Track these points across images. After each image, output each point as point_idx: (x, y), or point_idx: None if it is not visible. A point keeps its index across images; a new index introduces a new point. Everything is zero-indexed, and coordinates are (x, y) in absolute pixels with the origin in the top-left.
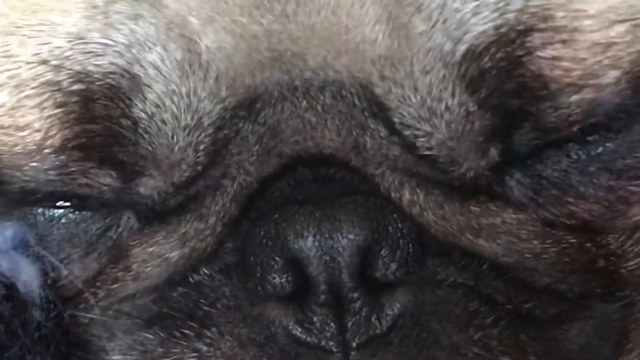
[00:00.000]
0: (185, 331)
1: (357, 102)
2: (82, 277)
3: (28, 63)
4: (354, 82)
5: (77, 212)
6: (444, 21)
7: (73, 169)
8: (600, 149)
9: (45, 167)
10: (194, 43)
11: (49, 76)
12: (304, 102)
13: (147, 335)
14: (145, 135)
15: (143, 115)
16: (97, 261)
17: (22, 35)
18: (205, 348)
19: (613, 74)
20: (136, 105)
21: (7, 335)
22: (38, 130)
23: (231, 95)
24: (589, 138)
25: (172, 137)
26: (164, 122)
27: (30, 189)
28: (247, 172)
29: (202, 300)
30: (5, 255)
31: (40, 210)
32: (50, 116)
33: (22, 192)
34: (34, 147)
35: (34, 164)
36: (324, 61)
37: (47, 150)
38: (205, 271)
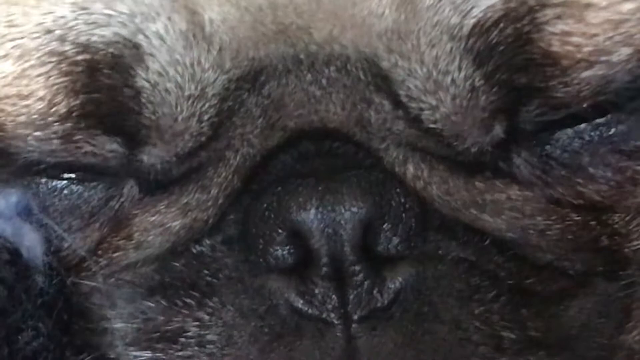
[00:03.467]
0: (187, 300)
1: (362, 76)
2: (84, 246)
3: (32, 33)
4: (360, 56)
5: (79, 183)
6: None
7: (78, 137)
8: (611, 131)
9: (49, 136)
10: (198, 15)
11: (54, 46)
12: (309, 75)
13: (148, 303)
14: (149, 105)
15: (146, 84)
16: (98, 230)
17: (26, 5)
18: (206, 317)
19: (625, 51)
20: (139, 74)
21: (10, 300)
22: (42, 99)
23: (235, 67)
24: (600, 120)
25: (176, 106)
26: (167, 91)
27: (34, 159)
28: (250, 144)
29: (204, 271)
30: (9, 221)
31: (43, 180)
32: (55, 84)
33: (26, 164)
34: (38, 116)
35: (38, 133)
36: (330, 35)
37: (51, 119)
38: (208, 242)
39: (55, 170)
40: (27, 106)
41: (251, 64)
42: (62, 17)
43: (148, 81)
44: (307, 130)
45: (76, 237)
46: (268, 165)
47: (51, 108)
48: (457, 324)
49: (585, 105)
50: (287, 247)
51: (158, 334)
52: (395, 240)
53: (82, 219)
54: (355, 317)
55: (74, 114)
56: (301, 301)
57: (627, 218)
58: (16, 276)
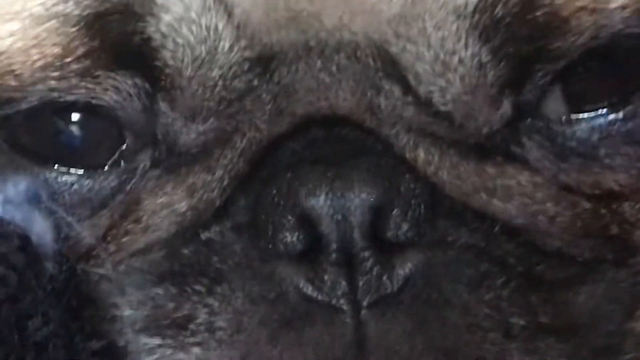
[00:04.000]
0: (197, 287)
1: (371, 63)
2: (93, 234)
3: None
4: (369, 42)
5: (89, 177)
6: None
7: (99, 72)
8: (629, 125)
9: (68, 74)
10: None
11: (60, 8)
12: (319, 62)
13: (158, 290)
14: (159, 51)
15: (156, 35)
16: (108, 217)
17: None
18: (216, 304)
19: (620, 1)
20: (149, 23)
21: (20, 286)
22: (57, 45)
23: (249, 49)
24: (618, 115)
25: (182, 62)
26: (176, 45)
27: (52, 98)
28: (258, 129)
29: (213, 257)
30: (18, 207)
31: (53, 174)
32: (68, 33)
33: (44, 105)
34: (54, 59)
35: (56, 72)
36: (340, 22)
37: (69, 59)
38: (216, 228)
39: (74, 109)
40: (41, 52)
41: (263, 50)
42: None
43: (159, 31)
44: (317, 117)
45: (85, 225)
46: (277, 151)
47: (67, 51)
48: (467, 310)
49: (580, 52)
50: (297, 233)
51: (168, 320)
52: (405, 226)
53: (92, 209)
54: (365, 303)
55: (93, 53)
56: (310, 287)
57: (638, 206)
58: (26, 262)
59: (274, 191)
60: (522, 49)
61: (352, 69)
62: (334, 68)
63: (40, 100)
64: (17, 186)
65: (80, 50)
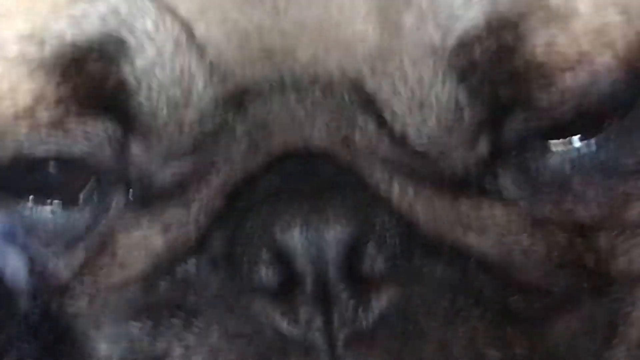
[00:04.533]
0: (173, 321)
1: (346, 98)
2: (69, 268)
3: (13, 40)
4: (344, 78)
5: (65, 210)
6: (434, 13)
7: (69, 122)
8: (601, 152)
9: (39, 124)
10: (189, 26)
11: (34, 52)
12: (293, 97)
13: (134, 324)
14: (134, 95)
15: (131, 78)
16: (83, 252)
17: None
18: (192, 338)
19: (607, 58)
20: (124, 67)
21: None
22: (29, 92)
23: (222, 86)
24: (591, 141)
25: (157, 105)
26: (150, 89)
27: (23, 154)
28: (233, 164)
29: (189, 291)
30: None
31: (28, 206)
32: (40, 78)
33: (14, 160)
34: (26, 109)
35: (25, 123)
36: (314, 57)
37: (40, 106)
38: (193, 261)
39: (45, 164)
40: (13, 100)
41: (237, 85)
42: (43, 19)
43: (134, 75)
44: (292, 152)
45: (61, 260)
46: (253, 185)
47: (39, 99)
48: (443, 343)
49: (567, 113)
50: (272, 268)
51: (143, 355)
52: (380, 261)
53: (67, 243)
54: (341, 338)
55: (64, 101)
56: (286, 322)
57: (612, 235)
58: None
59: (249, 225)
60: (501, 93)
61: (327, 104)
62: (308, 103)
63: (12, 157)
64: None
65: (51, 99)
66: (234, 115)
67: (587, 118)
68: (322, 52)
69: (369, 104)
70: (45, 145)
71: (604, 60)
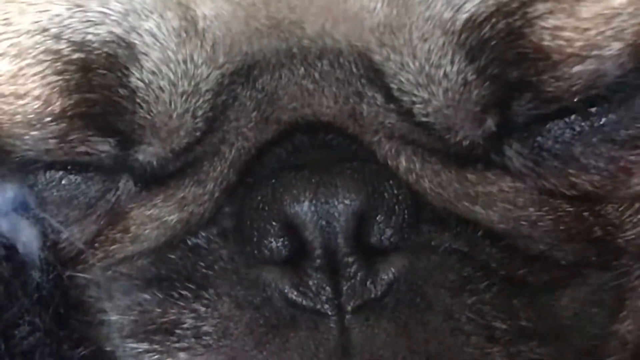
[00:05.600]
0: (183, 292)
1: (354, 70)
2: (81, 238)
3: (28, 31)
4: (352, 50)
5: (77, 174)
6: None
7: (73, 137)
8: (602, 121)
9: (46, 135)
10: (191, 11)
11: (49, 44)
12: (302, 69)
13: (145, 296)
14: (143, 104)
15: (140, 84)
16: (95, 222)
17: (22, 2)
18: (203, 309)
19: (616, 46)
20: (133, 74)
21: (7, 295)
22: (38, 98)
23: (228, 62)
24: (591, 110)
25: (170, 104)
26: (161, 89)
27: (30, 158)
28: (245, 138)
29: (199, 263)
30: (5, 216)
31: (40, 173)
32: (50, 83)
33: (22, 162)
34: (34, 115)
35: (34, 132)
36: (322, 29)
37: (47, 119)
38: (203, 234)
39: (51, 168)
40: (23, 105)
41: (244, 59)
42: (58, 15)
43: (142, 80)
44: (301, 124)
45: (73, 229)
46: (263, 158)
47: (47, 108)
48: (449, 314)
49: (576, 100)
50: (282, 239)
51: (154, 326)
52: (388, 232)
53: (79, 210)
54: (349, 308)
55: (68, 114)
56: (295, 293)
57: (621, 208)
58: (12, 272)
59: (259, 197)
60: (509, 73)
61: (334, 76)
62: (316, 75)
63: (20, 159)
64: (4, 195)
65: (58, 109)
66: (242, 88)
67: (593, 101)
68: (330, 24)
69: (376, 76)
70: (50, 156)
71: (612, 48)
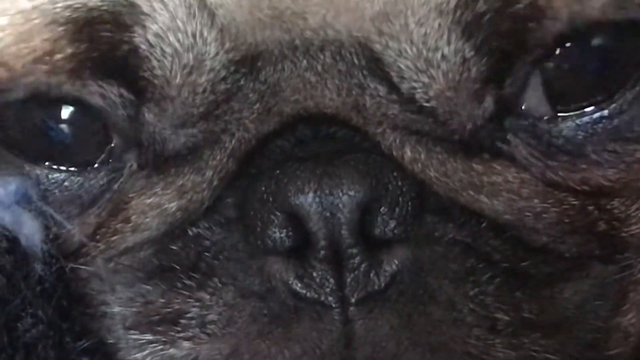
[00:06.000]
0: (187, 282)
1: (356, 61)
2: (83, 231)
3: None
4: (353, 40)
5: (80, 174)
6: None
7: (86, 75)
8: (615, 122)
9: (57, 69)
10: None
11: (50, 7)
12: (304, 61)
13: (147, 287)
14: (146, 61)
15: (143, 43)
16: (96, 215)
17: None
18: (207, 297)
19: None
20: (136, 31)
21: (9, 288)
22: (46, 40)
23: (234, 50)
24: (604, 112)
25: (171, 71)
26: (164, 55)
27: (42, 91)
28: (246, 129)
29: (203, 253)
30: (8, 209)
31: (44, 171)
32: (56, 30)
33: (33, 96)
34: (44, 53)
35: (46, 66)
36: (324, 20)
37: (58, 55)
38: (205, 224)
39: (62, 102)
40: (31, 47)
41: (248, 49)
42: None
43: (146, 40)
44: (304, 116)
45: (74, 223)
46: (265, 149)
47: (56, 48)
48: (452, 305)
49: (556, 38)
50: (285, 230)
51: (158, 316)
52: (392, 223)
53: (81, 206)
54: (353, 299)
55: (79, 57)
56: (299, 284)
57: (627, 202)
58: (15, 264)
59: (263, 188)
60: (504, 43)
61: (337, 68)
62: (319, 67)
63: (31, 92)
64: (7, 187)
65: (68, 51)
66: (245, 79)
67: (597, 86)
68: (332, 15)
69: (377, 66)
70: (63, 88)
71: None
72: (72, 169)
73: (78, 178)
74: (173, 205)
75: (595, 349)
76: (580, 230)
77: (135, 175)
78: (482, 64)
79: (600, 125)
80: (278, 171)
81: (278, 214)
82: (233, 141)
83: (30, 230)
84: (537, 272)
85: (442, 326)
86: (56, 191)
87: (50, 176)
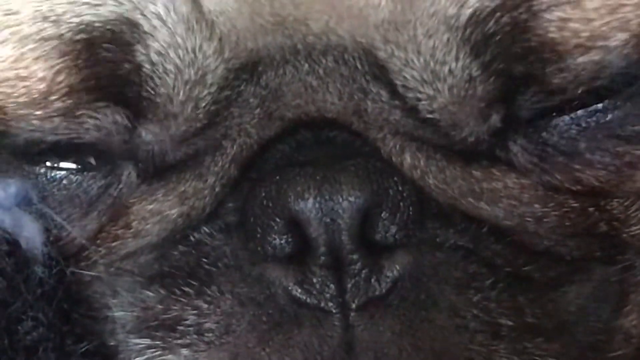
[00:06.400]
0: (186, 289)
1: (359, 66)
2: (83, 235)
3: (30, 19)
4: (357, 46)
5: (78, 173)
6: None
7: (81, 112)
8: (608, 117)
9: (51, 113)
10: (198, 3)
11: (52, 30)
12: (306, 65)
13: (148, 292)
14: (148, 79)
15: (145, 61)
16: (97, 219)
17: None
18: (205, 306)
19: (621, 37)
20: (139, 50)
21: (10, 291)
22: (42, 79)
23: (234, 58)
24: (598, 106)
25: (173, 88)
26: (166, 72)
27: (35, 138)
28: (247, 134)
29: (202, 259)
30: (8, 211)
31: (42, 170)
32: (55, 65)
33: (27, 144)
34: (39, 95)
35: (39, 112)
36: (327, 26)
37: (53, 97)
38: (206, 230)
39: (57, 150)
40: (27, 87)
41: (249, 55)
42: (58, 3)
43: (148, 58)
44: (305, 120)
45: (75, 226)
46: (266, 154)
47: (52, 87)
48: (455, 311)
49: (580, 91)
50: (285, 236)
51: (157, 322)
52: (393, 228)
53: (80, 207)
54: (353, 305)
55: (75, 90)
56: (299, 290)
57: (626, 203)
58: (15, 267)
59: (263, 193)
60: (514, 68)
61: (339, 72)
62: (321, 71)
63: (25, 141)
64: (7, 190)
65: (64, 88)
66: (246, 84)
67: (597, 93)
68: (335, 20)
69: (381, 73)
70: (57, 134)
71: (617, 39)
72: (72, 166)
73: (76, 177)
74: (174, 212)
75: (597, 351)
76: (581, 232)
77: (135, 183)
78: (489, 84)
79: (594, 119)
80: (278, 177)
81: (278, 220)
82: (234, 147)
83: (30, 233)
84: (539, 275)
85: (445, 332)
86: (55, 190)
87: (49, 174)
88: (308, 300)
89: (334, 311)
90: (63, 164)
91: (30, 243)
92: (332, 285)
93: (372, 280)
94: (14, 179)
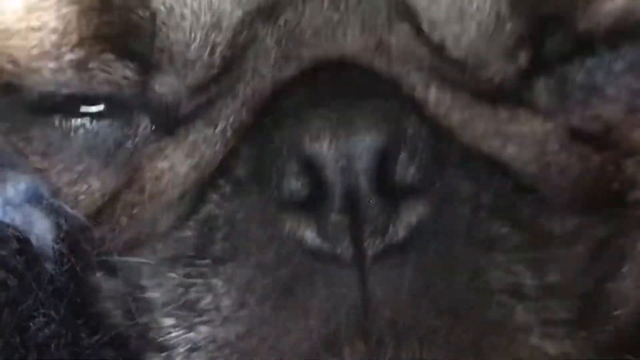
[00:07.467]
0: (202, 270)
1: (382, 2)
2: (101, 191)
3: None
4: None
5: (94, 121)
6: None
7: (92, 64)
8: (627, 53)
9: (63, 66)
10: None
11: None
12: (327, 1)
13: (171, 274)
14: (163, 28)
15: (161, 7)
16: (114, 175)
17: None
18: (220, 283)
19: None
20: None
21: (21, 288)
22: (54, 30)
23: (252, 1)
24: (621, 49)
25: (190, 33)
26: (182, 17)
27: (49, 92)
28: (261, 76)
29: (216, 234)
30: (18, 209)
31: (58, 121)
32: (66, 14)
33: (41, 98)
34: (51, 47)
35: (51, 64)
36: None
37: (65, 48)
38: (221, 183)
39: (70, 102)
40: (39, 38)
41: None
42: None
43: (164, 4)
44: (324, 61)
45: (94, 181)
46: (282, 98)
47: (64, 38)
48: (478, 272)
49: (604, 37)
50: (301, 179)
51: (179, 302)
52: (412, 169)
53: (98, 158)
54: (370, 252)
55: (86, 41)
56: (315, 237)
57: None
58: (26, 264)
59: (277, 137)
60: (543, 8)
61: (361, 7)
62: (342, 5)
63: (39, 94)
64: (17, 187)
65: (75, 39)
66: (263, 26)
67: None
68: None
69: (406, 9)
70: (68, 87)
71: None
72: (88, 110)
73: (93, 126)
74: (185, 165)
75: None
76: (598, 189)
77: (148, 137)
78: (517, 22)
79: (613, 53)
80: (293, 119)
81: (293, 162)
82: (247, 90)
83: (41, 230)
84: (560, 232)
85: (466, 294)
86: (72, 141)
87: (65, 125)
88: (324, 247)
89: (349, 261)
90: (78, 116)
91: (40, 240)
92: (348, 229)
93: (390, 224)
94: (24, 176)
